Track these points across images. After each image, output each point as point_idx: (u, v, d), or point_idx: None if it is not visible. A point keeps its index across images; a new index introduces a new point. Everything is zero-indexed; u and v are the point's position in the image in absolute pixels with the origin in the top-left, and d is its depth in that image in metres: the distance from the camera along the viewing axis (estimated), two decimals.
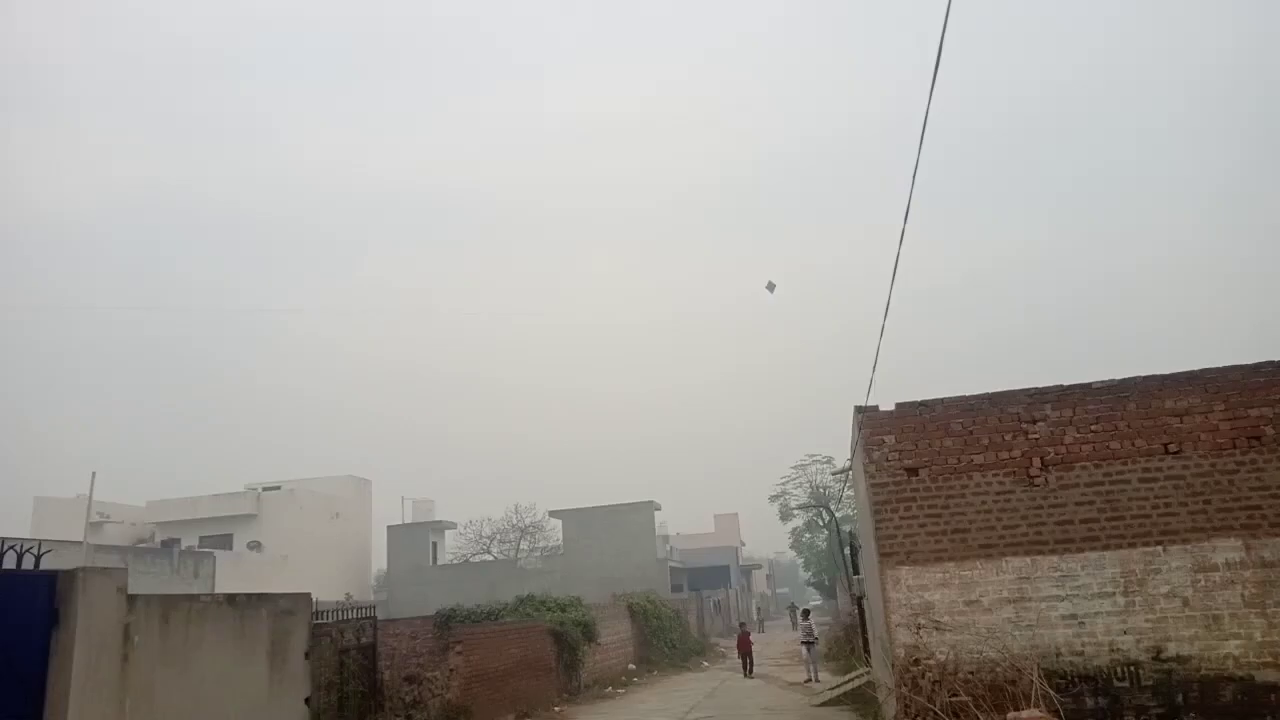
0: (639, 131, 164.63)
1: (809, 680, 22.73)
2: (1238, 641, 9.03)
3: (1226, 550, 9.23)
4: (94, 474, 24.27)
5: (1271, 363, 9.66)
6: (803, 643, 24.82)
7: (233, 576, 31.28)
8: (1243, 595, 9.11)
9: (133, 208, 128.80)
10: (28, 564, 8.20)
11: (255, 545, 38.96)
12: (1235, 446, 9.45)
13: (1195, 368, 9.81)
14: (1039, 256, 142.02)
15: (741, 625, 32.28)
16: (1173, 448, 9.58)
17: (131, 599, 8.60)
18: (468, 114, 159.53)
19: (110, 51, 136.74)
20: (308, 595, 12.46)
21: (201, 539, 39.40)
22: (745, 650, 27.60)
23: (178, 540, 38.88)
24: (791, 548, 65.72)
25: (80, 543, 24.40)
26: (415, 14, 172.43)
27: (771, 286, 15.78)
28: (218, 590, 26.87)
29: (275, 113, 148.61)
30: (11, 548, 8.21)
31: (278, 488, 42.83)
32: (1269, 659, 8.92)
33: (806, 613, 27.73)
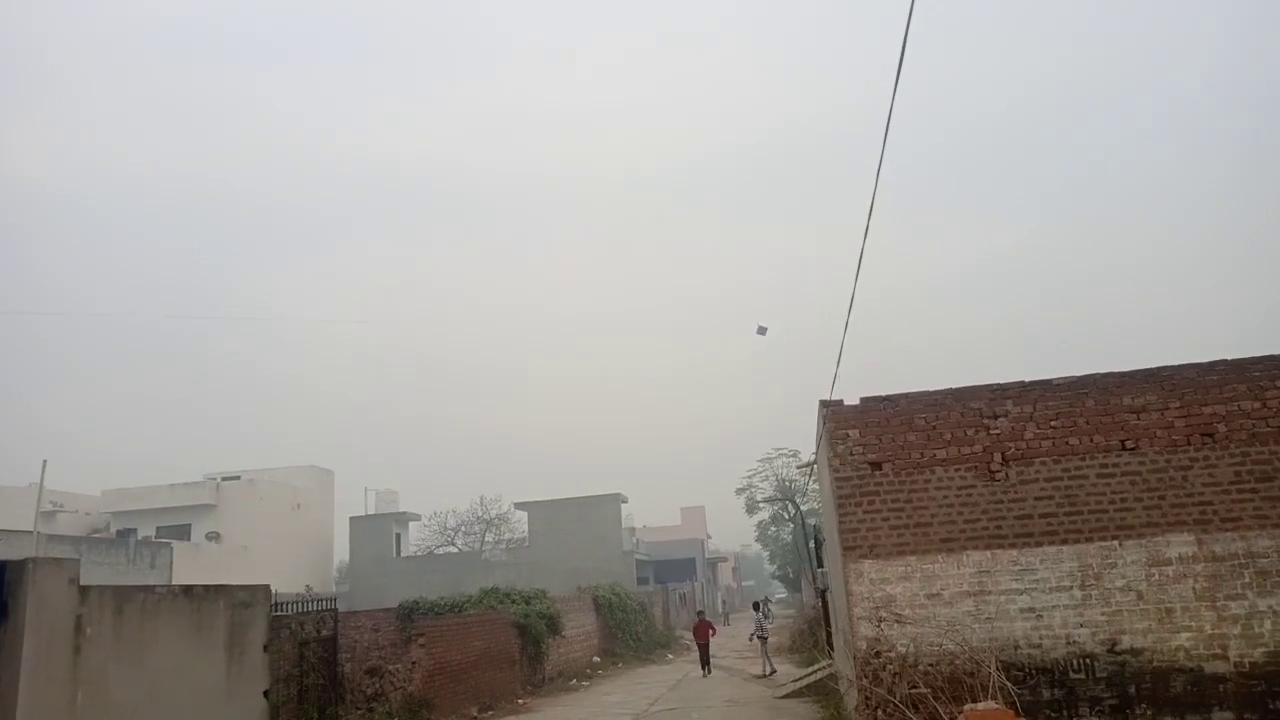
0: (609, 115, 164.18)
1: (765, 674, 22.74)
2: (1188, 634, 9.24)
3: (1180, 545, 9.44)
4: (45, 462, 23.73)
5: (1224, 361, 9.87)
6: (756, 636, 24.80)
7: (191, 568, 30.79)
8: (1194, 589, 9.32)
9: (108, 181, 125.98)
10: None
11: (214, 536, 38.36)
12: (1189, 443, 9.65)
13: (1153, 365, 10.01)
14: (1017, 256, 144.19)
15: (699, 613, 27.99)
16: (1129, 444, 9.76)
17: (84, 590, 8.40)
18: (442, 95, 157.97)
19: (104, 33, 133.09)
20: (266, 587, 12.26)
21: (159, 529, 38.71)
22: (703, 640, 24.70)
23: (134, 530, 38.15)
24: (757, 540, 66.31)
25: (31, 532, 23.84)
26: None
27: (762, 331, 16.04)
28: (175, 582, 26.41)
29: (258, 92, 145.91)
30: None
31: (237, 477, 42.20)
32: (1218, 650, 9.14)
33: (757, 605, 27.43)
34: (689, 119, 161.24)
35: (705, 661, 24.50)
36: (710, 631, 25.14)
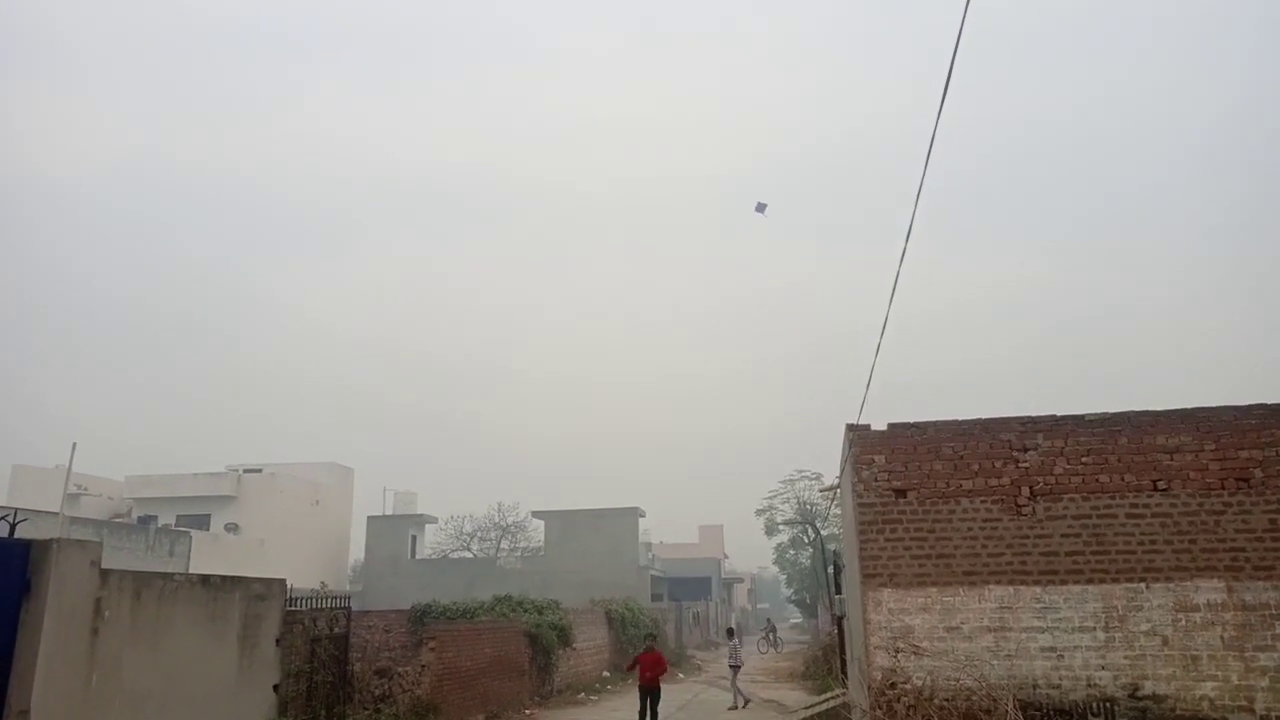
0: (648, 131, 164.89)
1: (736, 706, 21.11)
2: (1214, 683, 8.99)
3: (1209, 591, 9.21)
4: (74, 445, 24.03)
5: (1263, 405, 9.66)
6: (730, 665, 23.02)
7: (208, 557, 31.03)
8: (1222, 637, 9.08)
9: (137, 177, 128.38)
10: (1, 531, 8.09)
11: (233, 527, 38.68)
12: (1224, 487, 9.44)
13: (1187, 406, 9.81)
14: (1038, 286, 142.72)
15: (648, 638, 18.77)
16: (1161, 485, 9.56)
17: (105, 573, 8.50)
18: (469, 97, 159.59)
19: (133, 31, 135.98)
20: (282, 581, 12.35)
21: (179, 518, 39.10)
22: (648, 681, 16.39)
23: (155, 517, 38.57)
24: (775, 563, 65.69)
25: (56, 514, 24.17)
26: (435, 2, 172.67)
27: (761, 207, 15.22)
28: (192, 570, 26.63)
29: (287, 90, 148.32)
30: None
31: (259, 470, 42.56)
32: (1243, 702, 8.89)
33: (731, 631, 25.92)
34: (726, 141, 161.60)
35: (643, 714, 16.26)
36: (661, 670, 16.84)
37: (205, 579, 10.41)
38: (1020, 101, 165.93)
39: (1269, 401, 9.65)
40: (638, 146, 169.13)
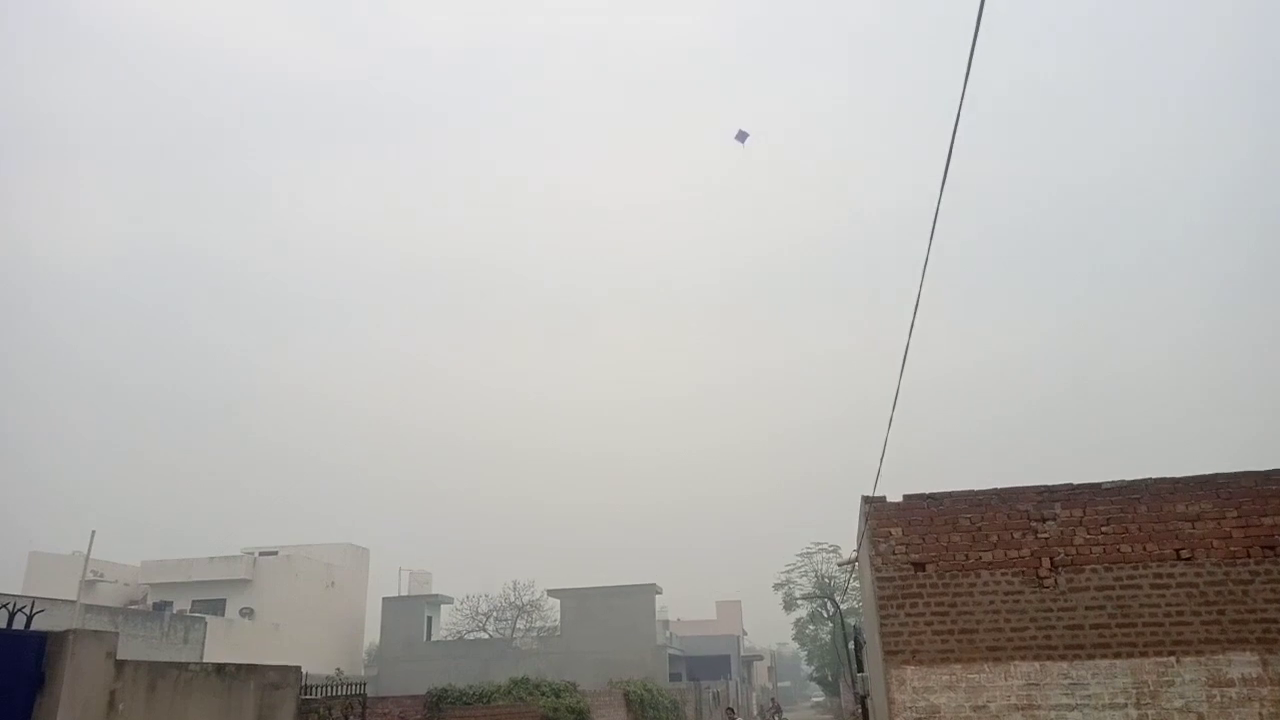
0: (656, 208, 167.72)
1: None
2: None
3: (1242, 665, 8.96)
4: (93, 533, 23.99)
5: None
6: None
7: (224, 643, 30.68)
8: (1260, 714, 8.79)
9: (139, 262, 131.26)
10: (19, 624, 8.10)
11: (248, 612, 38.32)
12: (1249, 555, 9.26)
13: (1205, 471, 9.70)
14: (1044, 350, 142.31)
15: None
16: (1185, 554, 9.40)
17: (120, 664, 8.46)
18: (470, 177, 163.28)
19: (133, 118, 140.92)
20: (297, 669, 12.21)
21: (194, 602, 38.80)
22: None
23: (170, 603, 38.29)
24: (795, 639, 64.22)
25: (73, 602, 24.05)
26: (433, 87, 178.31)
27: (742, 136, 14.50)
28: (207, 657, 26.31)
29: (289, 177, 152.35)
30: (4, 605, 8.12)
31: (275, 553, 42.35)
32: None
33: (730, 712, 25.27)
34: (735, 214, 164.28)
35: None
36: None
37: (220, 668, 10.32)
38: (1021, 168, 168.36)
39: None
40: (647, 226, 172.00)
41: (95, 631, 8.73)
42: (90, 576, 33.12)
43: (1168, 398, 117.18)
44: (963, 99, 6.69)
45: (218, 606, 38.44)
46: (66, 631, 8.04)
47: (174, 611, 34.83)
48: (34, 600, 8.72)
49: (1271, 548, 9.24)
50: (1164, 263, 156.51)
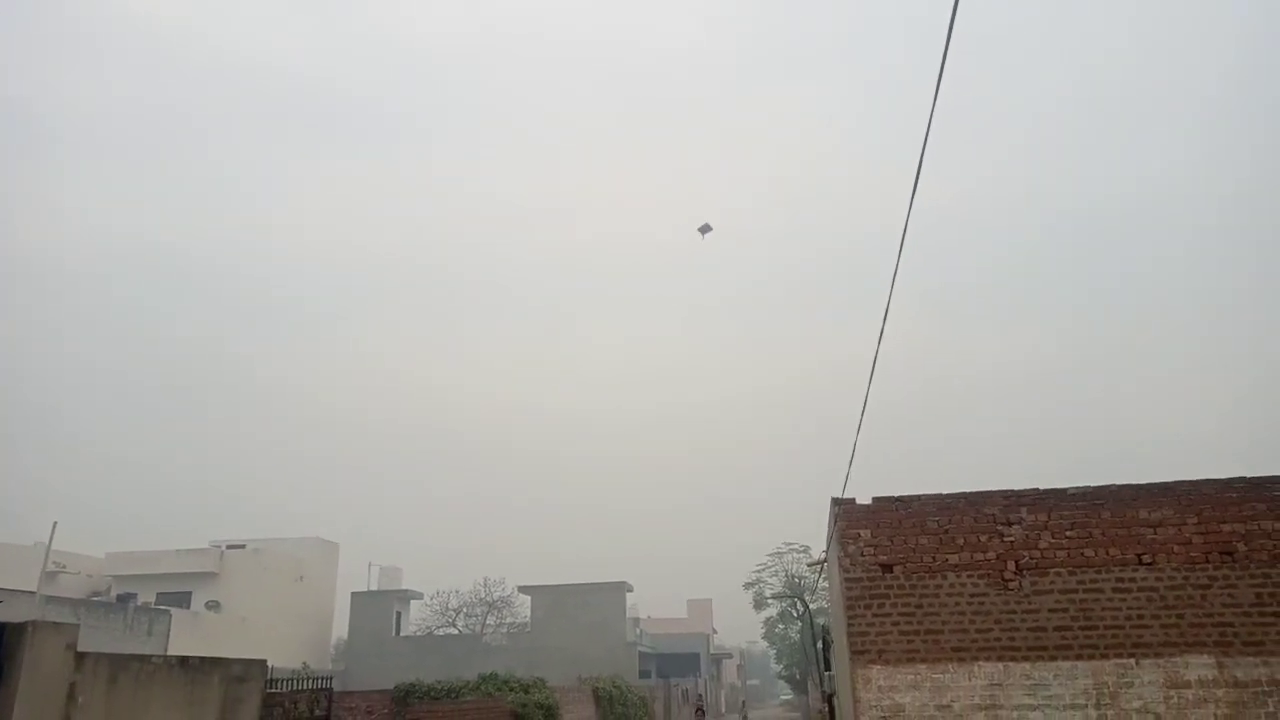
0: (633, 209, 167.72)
1: None
2: None
3: (1199, 667, 9.14)
4: (55, 524, 23.65)
5: (1243, 479, 9.74)
6: None
7: (189, 636, 30.28)
8: (1215, 715, 8.98)
9: (113, 255, 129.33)
10: None
11: (214, 605, 37.84)
12: (1208, 561, 9.45)
13: (1170, 479, 9.89)
14: (1032, 366, 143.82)
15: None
16: (1146, 559, 9.57)
17: (80, 657, 8.33)
18: (460, 177, 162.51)
19: (133, 119, 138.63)
20: (262, 662, 12.10)
21: (159, 595, 38.24)
22: None
23: (134, 595, 37.70)
24: (764, 638, 64.60)
25: (33, 593, 23.65)
26: (433, 87, 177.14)
27: (705, 229, 15.62)
28: (172, 650, 25.98)
29: (264, 174, 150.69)
30: None
31: (242, 546, 41.84)
32: None
33: (700, 711, 25.23)
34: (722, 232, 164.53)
35: None
36: None
37: (184, 661, 10.20)
38: (1001, 181, 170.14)
39: (1250, 475, 9.75)
40: (626, 227, 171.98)
41: (55, 623, 8.60)
42: (52, 568, 32.54)
43: (1165, 412, 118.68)
44: (932, 112, 6.76)
45: (183, 599, 37.92)
46: (26, 623, 7.91)
47: (138, 604, 34.29)
48: None
49: (1230, 553, 9.43)
50: (1161, 278, 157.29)
